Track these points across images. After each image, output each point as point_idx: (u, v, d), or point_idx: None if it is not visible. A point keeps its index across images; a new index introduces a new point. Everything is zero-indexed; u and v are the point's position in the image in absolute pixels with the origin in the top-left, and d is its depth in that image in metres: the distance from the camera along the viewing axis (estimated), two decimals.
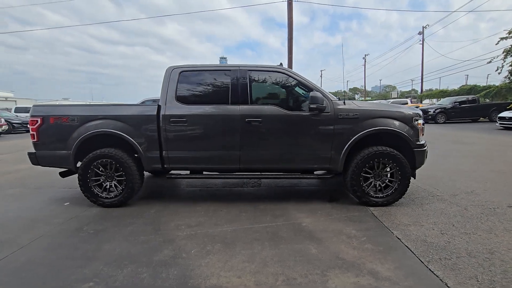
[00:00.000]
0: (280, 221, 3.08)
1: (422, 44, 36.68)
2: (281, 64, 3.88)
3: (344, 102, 3.48)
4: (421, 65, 36.82)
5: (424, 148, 3.51)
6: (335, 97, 3.70)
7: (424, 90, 39.71)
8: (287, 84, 3.57)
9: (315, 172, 3.90)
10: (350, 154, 3.47)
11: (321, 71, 65.30)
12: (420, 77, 37.06)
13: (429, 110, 17.97)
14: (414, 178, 3.69)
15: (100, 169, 3.46)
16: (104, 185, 3.51)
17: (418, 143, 3.47)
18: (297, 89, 3.60)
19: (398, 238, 2.64)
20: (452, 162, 5.99)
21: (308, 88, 3.47)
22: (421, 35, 36.68)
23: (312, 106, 3.22)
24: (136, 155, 3.53)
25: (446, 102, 19.08)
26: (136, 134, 3.41)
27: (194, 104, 3.49)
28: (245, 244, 2.56)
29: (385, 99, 39.84)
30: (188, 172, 3.73)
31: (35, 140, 3.49)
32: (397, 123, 3.42)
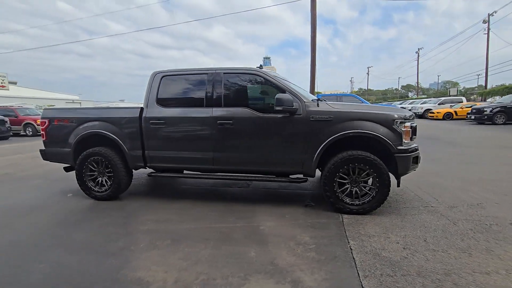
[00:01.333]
0: (242, 222, 3.10)
1: (488, 34, 32.45)
2: (260, 66, 3.87)
3: (317, 104, 3.35)
4: (486, 58, 32.55)
5: (409, 154, 3.19)
6: (314, 98, 3.58)
7: (494, 85, 34.93)
8: (260, 86, 3.55)
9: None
10: (327, 158, 3.33)
11: (368, 68, 61.53)
12: (485, 71, 32.78)
13: (485, 109, 15.81)
14: (398, 186, 3.39)
15: (94, 165, 3.86)
16: (97, 180, 3.91)
17: (400, 147, 3.17)
18: (270, 91, 3.55)
19: (351, 249, 2.48)
20: (476, 170, 5.28)
21: (280, 89, 3.41)
22: (486, 23, 32.45)
23: (277, 108, 3.16)
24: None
25: (507, 100, 16.56)
26: (121, 135, 3.73)
27: (172, 107, 3.69)
28: (192, 242, 2.66)
29: (443, 96, 35.94)
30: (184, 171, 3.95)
31: (44, 139, 4.05)
32: (375, 125, 3.18)
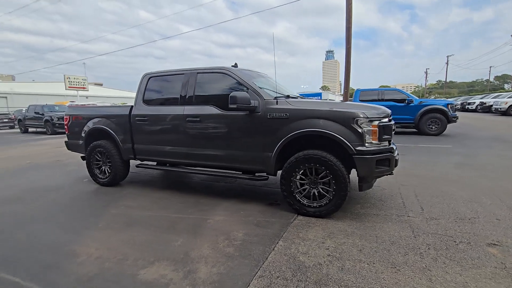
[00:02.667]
0: (196, 215, 3.28)
1: None
2: (235, 64, 3.95)
3: (276, 102, 3.29)
4: None
5: (371, 156, 2.90)
6: (281, 95, 3.52)
7: None
8: (226, 84, 3.63)
9: None
10: (287, 157, 3.27)
11: (447, 57, 53.24)
12: None
13: None
14: (360, 190, 3.11)
15: (98, 156, 4.52)
16: (101, 168, 4.57)
17: (360, 148, 2.91)
18: (236, 89, 3.60)
19: (271, 249, 2.44)
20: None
21: (245, 87, 3.45)
22: None
23: (231, 106, 3.22)
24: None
25: None
26: (117, 130, 4.28)
27: (154, 105, 4.06)
28: (141, 227, 2.96)
29: None
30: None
31: (67, 132, 4.88)
32: (330, 124, 2.98)
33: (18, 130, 18.68)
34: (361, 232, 2.75)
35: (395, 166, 3.19)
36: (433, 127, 10.53)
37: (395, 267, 2.14)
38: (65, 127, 4.89)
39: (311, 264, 2.21)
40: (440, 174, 4.85)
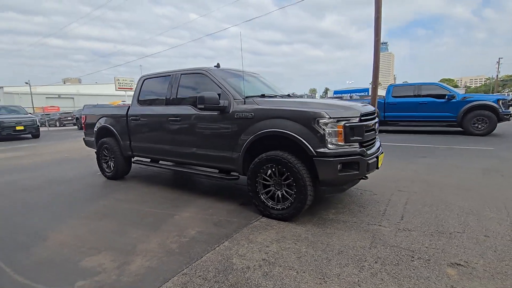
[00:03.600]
0: (168, 210, 3.43)
1: None
2: (217, 64, 4.01)
3: (244, 102, 3.26)
4: None
5: (332, 159, 2.72)
6: (253, 95, 3.48)
7: None
8: (203, 85, 3.69)
9: None
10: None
11: None
12: None
13: None
14: (324, 195, 2.93)
15: (105, 152, 4.99)
16: (108, 163, 5.03)
17: (320, 150, 2.74)
18: (213, 88, 3.64)
19: (212, 249, 2.46)
20: None
21: (219, 87, 3.49)
22: None
23: (199, 106, 3.29)
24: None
25: None
26: (118, 128, 4.67)
27: (146, 106, 4.33)
28: (113, 219, 3.22)
29: None
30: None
31: (84, 130, 5.47)
32: (290, 124, 2.87)
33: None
34: (314, 238, 2.61)
35: (370, 170, 2.94)
36: (480, 126, 9.26)
37: (323, 278, 2.00)
38: (83, 125, 5.49)
39: (240, 267, 2.18)
40: (456, 180, 4.30)
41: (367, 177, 3.16)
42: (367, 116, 3.08)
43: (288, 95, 4.21)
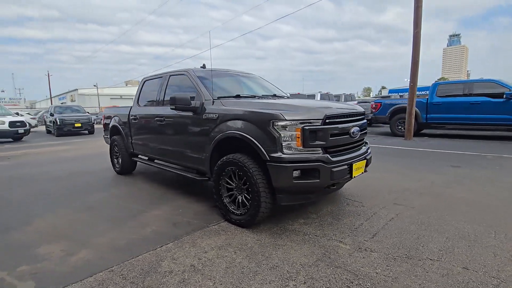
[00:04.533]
0: (144, 207, 3.54)
1: None
2: (203, 65, 4.02)
3: (212, 102, 3.21)
4: None
5: (286, 164, 2.50)
6: (232, 96, 3.40)
7: None
8: (186, 86, 3.72)
9: None
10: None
11: None
12: None
13: None
14: (280, 203, 2.71)
15: (116, 148, 5.41)
16: (117, 159, 5.45)
17: (274, 155, 2.55)
18: (193, 90, 3.64)
19: (151, 250, 2.48)
20: None
21: (195, 89, 3.50)
22: None
23: (171, 107, 3.33)
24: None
25: None
26: (123, 127, 5.02)
27: (142, 107, 4.57)
28: (94, 211, 3.47)
29: None
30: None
31: (104, 129, 6.02)
32: (247, 125, 2.73)
33: None
34: (259, 249, 2.44)
35: (336, 179, 2.64)
36: None
37: (236, 285, 1.86)
38: (102, 125, 6.04)
39: (164, 270, 2.16)
40: (476, 197, 3.63)
41: (334, 185, 2.84)
42: (337, 118, 2.76)
43: (238, 96, 3.90)
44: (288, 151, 2.55)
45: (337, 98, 16.77)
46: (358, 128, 2.95)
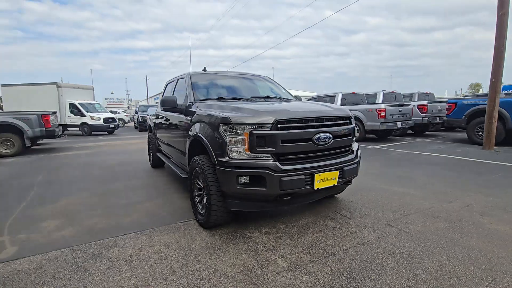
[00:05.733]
0: (143, 199, 3.95)
1: None
2: (204, 69, 4.18)
3: (193, 104, 3.33)
4: None
5: (231, 169, 2.44)
6: (208, 98, 3.49)
7: None
8: (183, 89, 3.93)
9: None
10: None
11: None
12: None
13: None
14: (229, 208, 2.62)
15: (150, 145, 6.10)
16: (151, 154, 6.14)
17: (221, 158, 2.52)
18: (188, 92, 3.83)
19: (111, 237, 2.77)
20: None
21: (187, 92, 3.71)
22: None
23: (161, 107, 3.59)
24: None
25: None
26: (152, 125, 5.65)
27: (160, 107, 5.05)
28: (107, 197, 4.05)
29: None
30: None
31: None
32: (207, 129, 2.77)
33: None
34: (199, 251, 2.46)
35: (288, 189, 2.44)
36: None
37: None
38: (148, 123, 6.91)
39: (106, 256, 2.41)
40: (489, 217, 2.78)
41: (288, 196, 2.57)
42: (292, 123, 2.52)
43: (221, 98, 3.69)
44: (234, 155, 2.48)
45: (410, 97, 14.66)
46: (327, 135, 2.62)
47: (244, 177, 2.45)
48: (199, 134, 2.84)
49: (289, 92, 4.30)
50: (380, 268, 2.15)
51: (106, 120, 14.80)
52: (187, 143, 3.23)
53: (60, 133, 9.61)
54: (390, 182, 4.54)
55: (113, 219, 3.23)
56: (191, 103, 3.44)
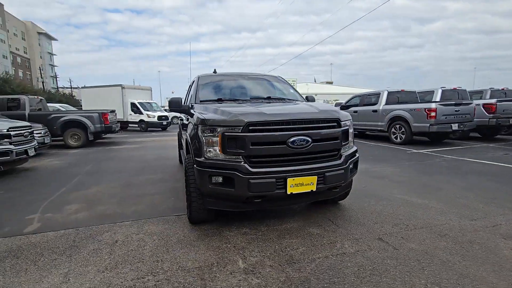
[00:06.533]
0: (157, 191, 4.33)
1: None
2: (214, 71, 4.34)
3: (192, 106, 3.51)
4: None
5: (203, 169, 2.55)
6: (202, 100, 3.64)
7: None
8: (192, 90, 4.15)
9: None
10: None
11: None
12: None
13: None
14: (206, 206, 2.71)
15: (179, 142, 6.58)
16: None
17: (198, 158, 2.64)
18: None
19: (112, 224, 3.13)
20: None
21: (192, 94, 3.92)
22: None
23: (168, 108, 3.85)
24: None
25: None
26: (180, 123, 6.08)
27: None
28: (128, 188, 4.55)
29: None
30: None
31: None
32: (192, 129, 2.92)
33: None
34: (174, 244, 2.63)
35: (257, 192, 2.45)
36: None
37: (70, 275, 2.21)
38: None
39: (97, 239, 2.75)
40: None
41: (261, 199, 2.53)
42: (265, 126, 2.48)
43: (220, 99, 3.69)
44: (209, 155, 2.58)
45: (481, 94, 12.63)
46: (304, 138, 2.51)
47: (215, 177, 2.52)
48: (188, 134, 3.01)
49: (298, 93, 4.18)
50: (339, 283, 2.00)
51: (160, 117, 16.33)
52: (184, 142, 3.44)
53: (117, 129, 10.97)
54: (412, 191, 4.07)
55: (122, 208, 3.62)
56: (192, 104, 3.64)
